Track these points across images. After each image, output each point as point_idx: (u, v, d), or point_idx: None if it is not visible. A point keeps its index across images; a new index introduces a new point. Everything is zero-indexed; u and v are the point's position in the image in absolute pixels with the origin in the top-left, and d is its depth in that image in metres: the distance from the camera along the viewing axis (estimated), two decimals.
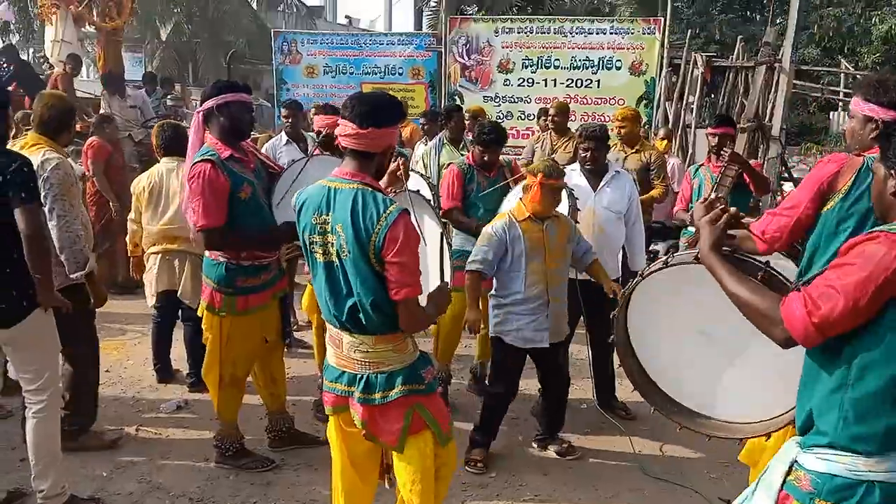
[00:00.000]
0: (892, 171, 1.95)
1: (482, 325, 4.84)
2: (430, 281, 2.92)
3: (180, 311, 5.23)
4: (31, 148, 3.79)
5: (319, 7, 34.14)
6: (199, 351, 5.03)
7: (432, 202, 3.52)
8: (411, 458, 2.75)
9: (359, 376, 2.71)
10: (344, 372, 2.75)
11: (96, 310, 4.12)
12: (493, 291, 4.26)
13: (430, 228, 3.04)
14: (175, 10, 24.90)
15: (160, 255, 5.03)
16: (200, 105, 3.80)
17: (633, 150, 6.09)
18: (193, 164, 3.58)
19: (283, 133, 6.51)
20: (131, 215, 5.16)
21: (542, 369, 4.35)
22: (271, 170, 4.06)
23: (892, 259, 1.78)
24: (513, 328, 4.12)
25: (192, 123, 3.81)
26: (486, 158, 4.90)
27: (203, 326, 3.96)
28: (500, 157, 5.09)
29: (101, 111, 8.90)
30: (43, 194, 3.60)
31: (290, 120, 6.38)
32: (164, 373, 5.39)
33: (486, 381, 5.19)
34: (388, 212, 2.52)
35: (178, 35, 25.45)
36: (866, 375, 1.87)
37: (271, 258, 3.93)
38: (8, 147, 3.44)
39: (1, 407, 4.67)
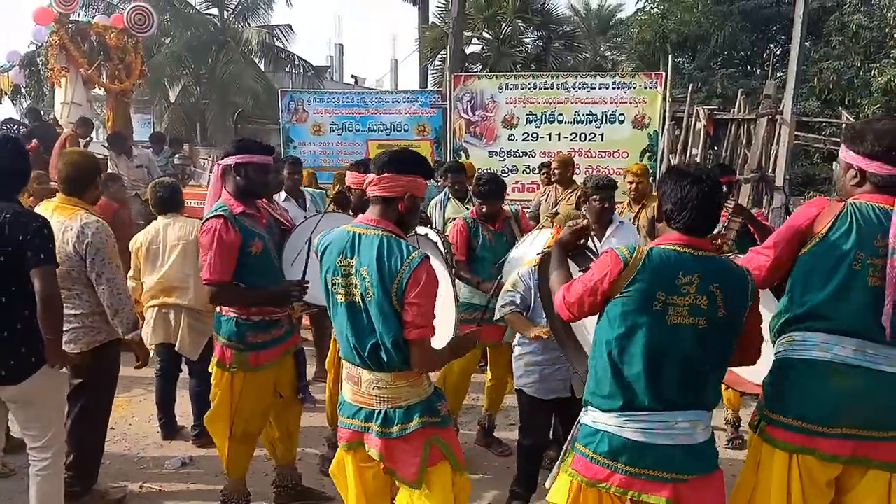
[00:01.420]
0: None
1: (489, 377, 4.80)
2: (440, 322, 2.99)
3: (186, 366, 5.21)
4: (65, 211, 3.87)
5: (326, 67, 34.73)
6: (204, 405, 5.01)
7: (443, 250, 3.55)
8: (433, 491, 2.83)
9: (377, 411, 2.83)
10: (361, 408, 2.87)
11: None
12: (515, 342, 4.25)
13: (439, 274, 3.09)
14: (184, 73, 25.41)
15: (157, 309, 5.05)
16: (221, 159, 3.85)
17: (640, 206, 6.16)
18: (206, 220, 3.65)
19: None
20: (130, 272, 5.20)
21: (561, 419, 4.33)
22: (283, 226, 4.10)
23: (603, 270, 2.49)
24: (535, 379, 4.09)
25: (212, 176, 3.89)
26: (484, 210, 4.95)
27: (213, 382, 3.94)
28: (506, 208, 5.13)
29: (108, 171, 9.01)
30: (90, 259, 3.77)
31: (291, 176, 6.47)
32: (169, 428, 5.35)
33: (493, 433, 5.17)
34: (411, 257, 2.70)
35: (187, 96, 25.96)
36: (596, 351, 2.56)
37: (282, 313, 3.92)
38: (28, 207, 3.52)
39: (4, 465, 4.62)
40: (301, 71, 27.13)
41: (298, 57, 27.18)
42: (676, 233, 2.50)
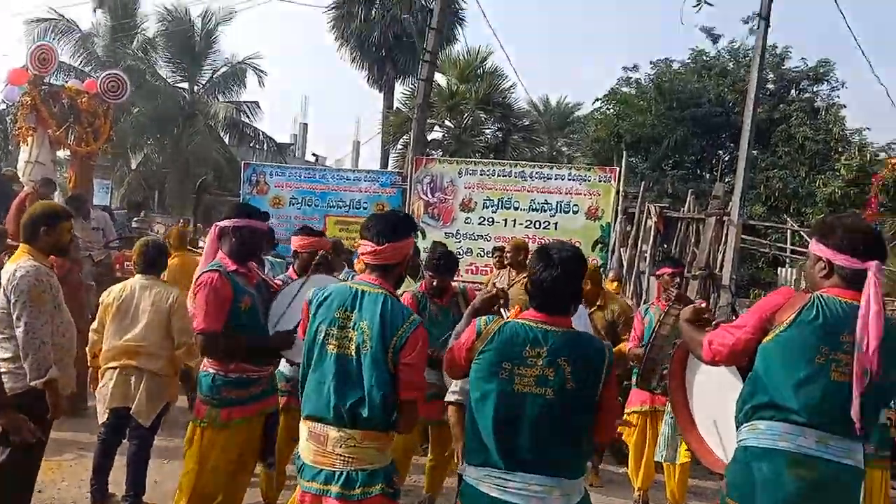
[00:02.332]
0: None
1: (430, 458, 4.76)
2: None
3: (128, 430, 5.06)
4: (15, 257, 3.90)
5: (289, 144, 35.04)
6: (140, 471, 4.94)
7: None
8: None
9: (338, 473, 2.85)
10: (322, 470, 2.88)
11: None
12: None
13: None
14: (148, 141, 25.46)
15: (117, 371, 4.93)
16: (220, 221, 4.06)
17: (597, 307, 6.27)
18: (202, 273, 3.84)
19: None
20: (94, 325, 5.10)
21: None
22: (271, 287, 4.26)
23: (464, 337, 2.78)
24: None
25: (209, 236, 4.09)
26: (434, 284, 5.02)
27: (185, 441, 3.96)
28: (455, 285, 5.22)
29: None
30: (13, 301, 3.72)
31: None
32: (100, 495, 5.10)
33: None
34: (411, 318, 2.88)
35: (148, 164, 25.91)
36: (467, 409, 2.75)
37: (261, 372, 4.02)
38: None
39: None
40: (265, 147, 27.35)
41: (263, 133, 27.44)
42: (534, 310, 2.73)
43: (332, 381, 2.87)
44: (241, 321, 3.84)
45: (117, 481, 5.13)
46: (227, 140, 27.24)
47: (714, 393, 2.95)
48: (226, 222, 3.99)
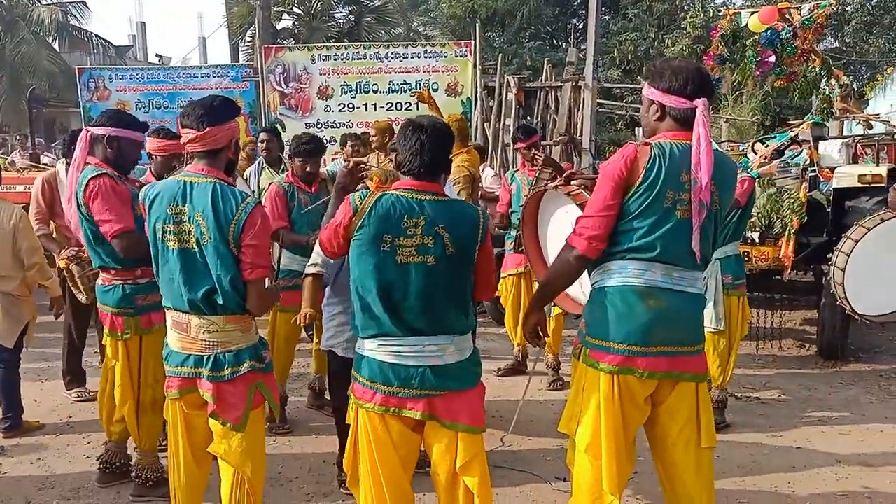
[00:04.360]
0: None
1: (315, 342, 4.75)
2: None
3: None
4: None
5: (129, 47, 32.83)
6: (13, 393, 4.84)
7: None
8: (252, 434, 2.96)
9: (206, 357, 2.91)
10: (190, 355, 2.94)
11: None
12: (324, 303, 4.18)
13: None
14: None
15: None
16: (93, 126, 3.80)
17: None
18: (91, 179, 3.62)
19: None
20: None
21: None
22: None
23: (340, 215, 2.76)
24: (347, 338, 3.96)
25: (80, 142, 3.75)
26: (308, 170, 4.89)
27: (108, 353, 3.90)
28: (323, 170, 5.13)
29: None
30: None
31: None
32: None
33: (324, 395, 5.16)
34: (246, 201, 2.84)
35: None
36: (351, 287, 2.79)
37: None
38: None
39: None
40: (101, 51, 25.54)
41: (97, 36, 25.60)
42: (408, 178, 2.75)
43: (181, 276, 2.88)
44: (139, 227, 3.60)
45: None
46: (57, 47, 25.20)
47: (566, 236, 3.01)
48: (101, 129, 3.75)
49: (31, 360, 5.72)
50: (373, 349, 2.73)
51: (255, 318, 3.05)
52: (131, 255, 3.69)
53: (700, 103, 2.64)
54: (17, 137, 17.77)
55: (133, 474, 3.98)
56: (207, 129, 2.86)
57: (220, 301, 2.85)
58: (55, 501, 4.00)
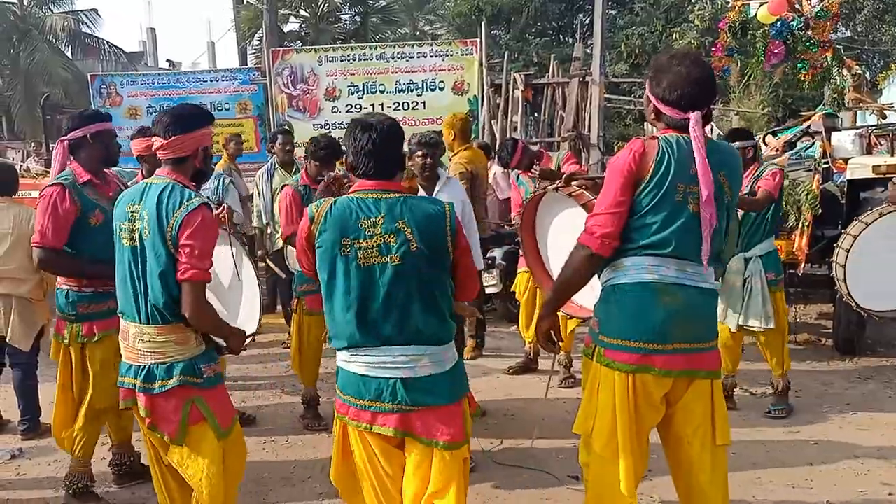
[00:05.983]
0: None
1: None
2: (241, 321, 3.44)
3: (7, 357, 4.91)
4: None
5: (140, 53, 32.96)
6: (31, 396, 4.89)
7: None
8: (198, 449, 2.91)
9: (141, 367, 2.90)
10: (132, 365, 2.93)
11: None
12: None
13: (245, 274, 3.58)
14: None
15: None
16: (66, 135, 3.78)
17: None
18: (46, 187, 3.67)
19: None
20: None
21: None
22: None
23: (301, 225, 2.72)
24: None
25: (56, 152, 3.82)
26: (324, 172, 4.85)
27: (51, 355, 3.92)
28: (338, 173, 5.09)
29: None
30: None
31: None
32: None
33: None
34: (189, 201, 2.80)
35: None
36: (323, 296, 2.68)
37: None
38: None
39: None
40: (113, 58, 25.72)
41: (109, 43, 25.71)
42: (363, 179, 2.64)
43: (127, 274, 2.90)
44: (93, 238, 3.64)
45: (12, 409, 5.06)
46: (70, 55, 25.39)
47: (569, 240, 2.96)
48: (79, 132, 3.74)
49: (49, 364, 5.73)
50: (345, 360, 2.63)
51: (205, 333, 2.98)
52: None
53: (693, 116, 2.60)
54: (32, 144, 17.90)
55: (63, 485, 3.96)
56: (173, 137, 2.89)
57: (152, 304, 2.82)
58: None
